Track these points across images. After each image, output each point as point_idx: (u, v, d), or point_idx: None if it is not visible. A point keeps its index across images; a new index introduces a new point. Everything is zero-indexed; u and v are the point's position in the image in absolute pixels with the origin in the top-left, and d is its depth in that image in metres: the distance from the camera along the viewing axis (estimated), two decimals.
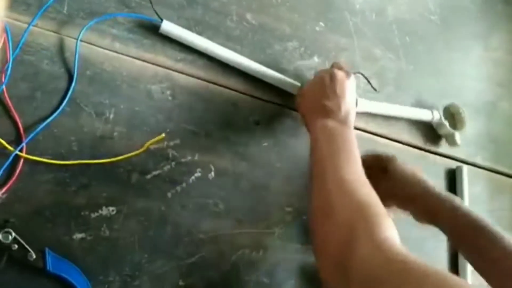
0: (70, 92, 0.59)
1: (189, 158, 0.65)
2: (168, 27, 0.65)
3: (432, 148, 0.87)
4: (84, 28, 0.60)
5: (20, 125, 0.56)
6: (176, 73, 0.66)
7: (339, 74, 0.65)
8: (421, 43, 0.91)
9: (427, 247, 0.80)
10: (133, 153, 0.60)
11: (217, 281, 0.63)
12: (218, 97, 0.69)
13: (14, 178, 0.54)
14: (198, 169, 0.65)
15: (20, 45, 0.57)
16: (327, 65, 0.77)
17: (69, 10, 0.61)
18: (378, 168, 0.70)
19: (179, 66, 0.67)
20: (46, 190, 0.56)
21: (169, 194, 0.62)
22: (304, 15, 0.79)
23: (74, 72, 0.59)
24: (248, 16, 0.74)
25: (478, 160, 0.91)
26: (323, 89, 0.63)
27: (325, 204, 0.52)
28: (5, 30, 0.56)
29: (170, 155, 0.63)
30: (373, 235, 0.45)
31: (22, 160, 0.55)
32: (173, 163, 0.63)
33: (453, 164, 0.88)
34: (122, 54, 0.63)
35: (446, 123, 0.85)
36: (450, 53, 0.95)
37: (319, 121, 0.61)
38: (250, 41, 0.73)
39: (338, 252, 0.46)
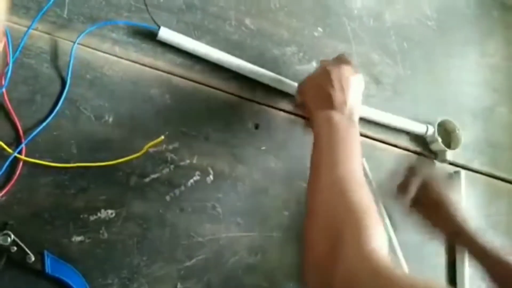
0: (64, 95, 0.59)
1: (187, 161, 0.65)
2: (165, 33, 0.65)
3: (430, 153, 0.87)
4: (82, 34, 0.61)
5: (19, 127, 0.56)
6: (175, 77, 0.67)
7: (347, 69, 0.62)
8: (418, 49, 0.91)
9: (426, 252, 0.80)
10: (132, 156, 0.60)
11: (215, 285, 0.63)
12: (217, 101, 0.69)
13: (13, 180, 0.54)
14: (197, 173, 0.65)
15: (20, 48, 0.58)
16: None
17: (69, 14, 0.62)
18: (427, 198, 0.70)
19: (178, 70, 0.67)
20: (45, 193, 0.56)
21: (167, 197, 0.63)
22: (302, 20, 0.80)
23: (67, 76, 0.60)
24: (247, 21, 0.74)
25: (476, 165, 0.91)
26: (329, 79, 0.60)
27: (315, 204, 0.50)
28: (5, 34, 0.56)
29: (169, 159, 0.64)
30: (361, 244, 0.43)
31: (21, 163, 0.55)
32: (171, 167, 0.64)
33: (451, 169, 0.88)
34: (122, 58, 0.64)
35: (439, 139, 0.84)
36: (447, 58, 0.95)
37: (324, 112, 0.58)
38: (248, 45, 0.73)
39: (323, 258, 0.44)
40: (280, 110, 0.74)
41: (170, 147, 0.64)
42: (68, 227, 0.56)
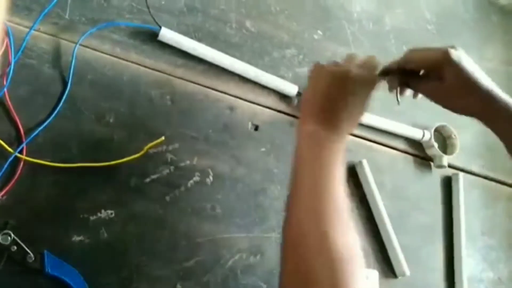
0: (65, 95, 0.59)
1: (187, 162, 0.65)
2: (166, 34, 0.66)
3: (428, 156, 0.87)
4: (84, 36, 0.61)
5: (20, 127, 0.56)
6: (175, 79, 0.67)
7: (364, 77, 0.54)
8: None
9: (423, 254, 0.80)
10: (132, 157, 0.60)
11: (214, 285, 0.63)
12: (217, 103, 0.69)
13: (14, 180, 0.54)
14: (197, 174, 0.65)
15: (22, 48, 0.58)
16: None
17: (70, 16, 0.62)
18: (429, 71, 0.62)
19: (179, 71, 0.67)
20: (45, 193, 0.56)
21: (167, 198, 0.63)
22: (303, 23, 0.80)
23: (68, 76, 0.60)
24: (247, 24, 0.75)
25: (474, 168, 0.92)
26: (333, 86, 0.53)
27: (294, 233, 0.45)
28: (7, 34, 0.57)
29: (169, 159, 0.64)
30: None
31: (22, 162, 0.55)
32: (171, 167, 0.64)
33: (449, 172, 0.88)
34: (123, 59, 0.64)
35: (435, 145, 0.84)
36: None
37: (307, 126, 0.52)
38: (249, 48, 0.74)
39: None
40: (280, 111, 0.74)
41: (170, 148, 0.64)
42: (68, 227, 0.57)
